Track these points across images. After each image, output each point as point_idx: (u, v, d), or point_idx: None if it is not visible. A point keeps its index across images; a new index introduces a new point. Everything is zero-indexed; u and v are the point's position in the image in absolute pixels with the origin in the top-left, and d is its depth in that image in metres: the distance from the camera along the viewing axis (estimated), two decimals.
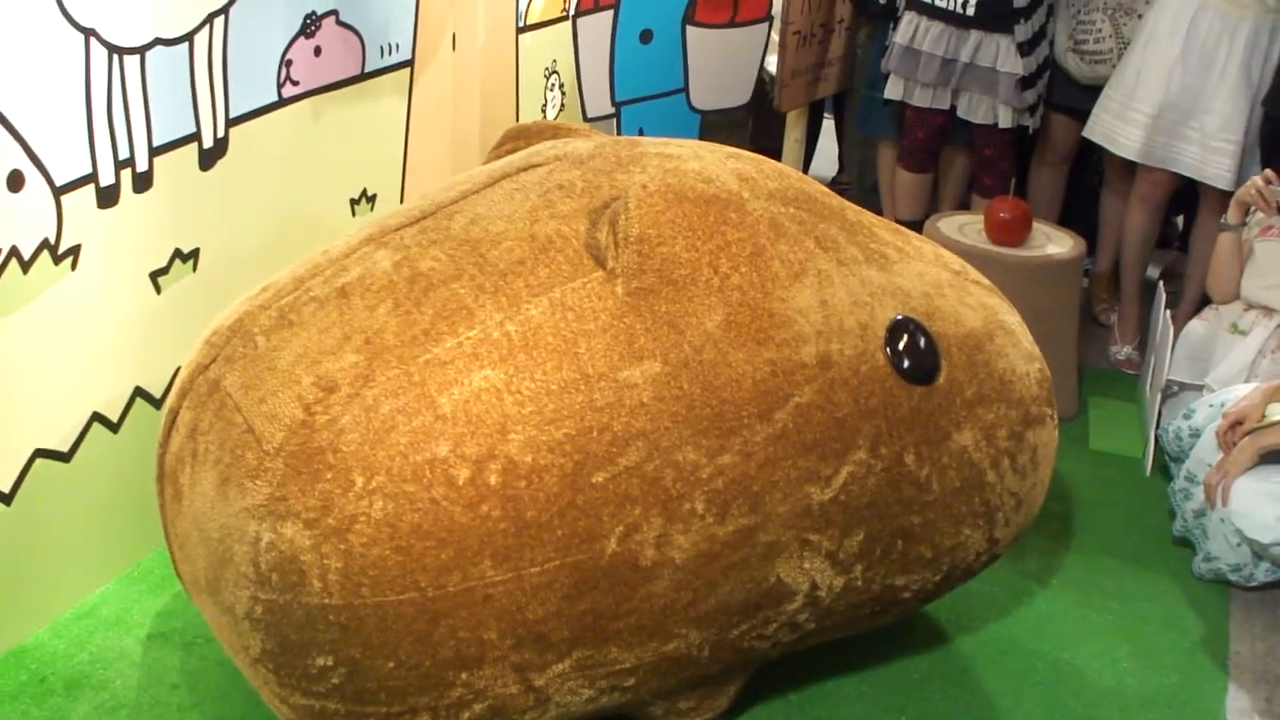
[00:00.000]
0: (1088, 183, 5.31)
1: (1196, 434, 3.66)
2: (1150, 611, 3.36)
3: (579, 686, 2.46)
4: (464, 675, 2.34)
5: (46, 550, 2.99)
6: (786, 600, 2.55)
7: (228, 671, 2.87)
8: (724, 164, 2.64)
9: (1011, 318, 2.86)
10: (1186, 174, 4.54)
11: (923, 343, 2.61)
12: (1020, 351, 2.80)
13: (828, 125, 6.49)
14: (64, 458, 2.99)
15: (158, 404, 3.21)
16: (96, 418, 3.06)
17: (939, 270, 2.80)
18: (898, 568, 2.66)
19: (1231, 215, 4.08)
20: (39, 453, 2.92)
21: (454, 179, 2.76)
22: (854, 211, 2.78)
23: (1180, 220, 5.63)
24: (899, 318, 2.61)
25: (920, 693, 3.00)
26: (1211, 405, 3.67)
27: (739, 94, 5.30)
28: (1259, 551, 3.31)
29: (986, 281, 2.92)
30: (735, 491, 2.38)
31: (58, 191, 2.80)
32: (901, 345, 2.58)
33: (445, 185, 2.73)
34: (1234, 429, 3.42)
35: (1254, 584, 3.40)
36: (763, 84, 5.46)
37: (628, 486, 2.30)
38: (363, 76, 3.72)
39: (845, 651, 2.99)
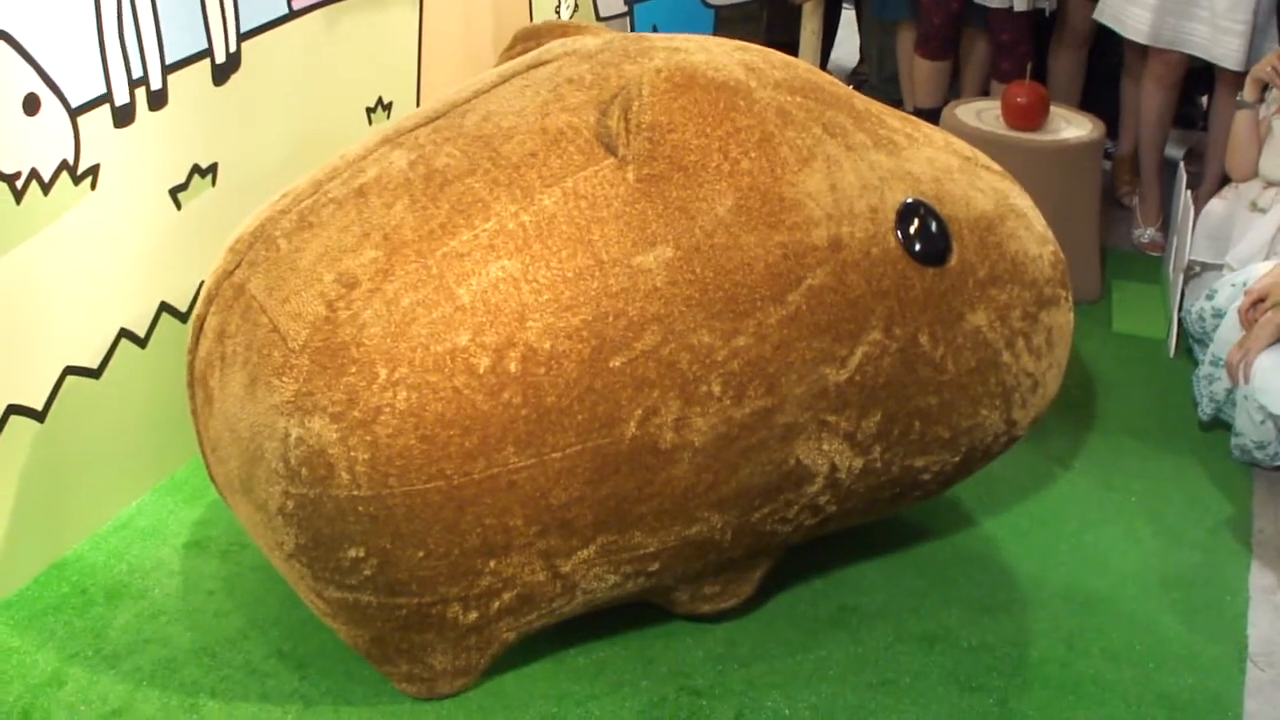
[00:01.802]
0: (1108, 65, 5.24)
1: (1219, 314, 3.64)
2: (1173, 492, 3.37)
3: (604, 572, 2.51)
4: (492, 563, 2.39)
5: (81, 465, 3.05)
6: (807, 482, 2.58)
7: (262, 576, 2.93)
8: (731, 55, 2.65)
9: (1023, 201, 2.85)
10: (1197, 54, 4.49)
11: (933, 225, 2.62)
12: (1033, 234, 2.80)
13: (848, 16, 6.42)
14: (94, 374, 3.03)
15: (183, 318, 3.24)
16: (124, 334, 3.11)
17: (949, 156, 2.79)
18: (916, 449, 2.69)
19: (1248, 93, 4.04)
20: (69, 370, 2.96)
21: (466, 82, 2.76)
22: (862, 100, 2.78)
23: (1205, 100, 5.57)
24: (909, 200, 2.61)
25: (943, 576, 3.04)
26: (1234, 285, 3.64)
27: None
28: None
29: (998, 167, 2.91)
30: (751, 373, 2.41)
31: (74, 113, 2.82)
32: (912, 228, 2.59)
33: (457, 87, 2.74)
34: (1256, 306, 3.41)
35: (1279, 463, 3.41)
36: None
37: (645, 370, 2.34)
38: None
39: (868, 536, 3.03)
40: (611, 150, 2.44)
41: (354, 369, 2.27)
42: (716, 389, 2.39)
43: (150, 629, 2.82)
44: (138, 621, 2.84)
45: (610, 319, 2.33)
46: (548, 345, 2.30)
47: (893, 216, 2.58)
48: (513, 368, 2.29)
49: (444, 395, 2.27)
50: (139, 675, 2.69)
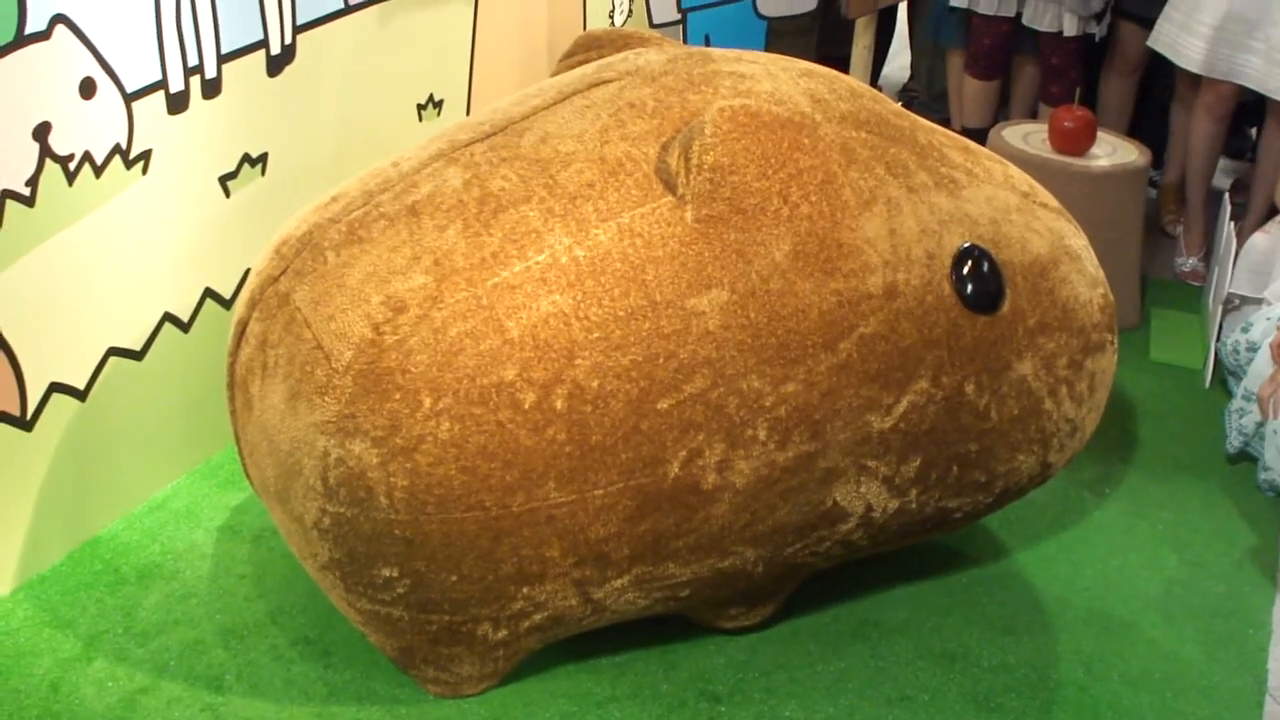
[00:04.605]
0: (1159, 93, 5.23)
1: (1254, 348, 3.64)
2: (1201, 522, 3.37)
3: (635, 598, 2.52)
4: (525, 589, 2.40)
5: (119, 445, 3.07)
6: (841, 521, 2.59)
7: (291, 564, 2.95)
8: (796, 83, 2.62)
9: (1078, 241, 2.82)
10: (1250, 86, 4.46)
11: (988, 271, 2.60)
12: (1085, 277, 2.78)
13: (901, 30, 6.40)
14: (136, 356, 3.05)
15: (227, 305, 3.26)
16: (168, 318, 3.12)
17: (1008, 194, 2.76)
18: (952, 491, 2.69)
19: None
20: (112, 351, 2.98)
21: (524, 92, 2.74)
22: (925, 132, 2.75)
23: (1255, 132, 5.55)
24: (966, 246, 2.59)
25: (968, 595, 3.04)
26: (1269, 319, 3.65)
27: (806, 0, 5.23)
28: None
29: (1055, 203, 2.88)
30: (797, 419, 2.40)
31: (129, 98, 2.84)
32: (966, 272, 2.57)
33: (516, 98, 2.71)
34: None
35: None
36: None
37: (692, 413, 2.33)
38: None
39: (894, 554, 3.01)
40: (670, 188, 2.41)
41: (398, 395, 2.27)
42: (762, 434, 2.38)
43: (179, 610, 2.84)
44: (167, 602, 2.86)
45: (661, 361, 2.31)
46: (596, 384, 2.29)
47: (949, 262, 2.56)
48: (559, 405, 2.28)
49: (487, 428, 2.26)
50: (166, 655, 2.72)
